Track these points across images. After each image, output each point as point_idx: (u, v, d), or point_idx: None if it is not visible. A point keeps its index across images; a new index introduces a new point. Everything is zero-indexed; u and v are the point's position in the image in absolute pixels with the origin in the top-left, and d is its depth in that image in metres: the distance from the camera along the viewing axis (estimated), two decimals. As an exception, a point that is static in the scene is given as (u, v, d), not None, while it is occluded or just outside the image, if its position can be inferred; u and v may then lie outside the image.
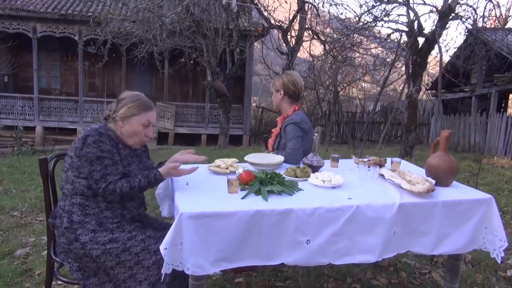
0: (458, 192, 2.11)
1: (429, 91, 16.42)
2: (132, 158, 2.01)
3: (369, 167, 2.25)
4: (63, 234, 1.87)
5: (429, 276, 2.79)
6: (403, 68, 11.47)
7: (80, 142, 1.85)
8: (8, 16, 13.16)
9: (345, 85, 14.88)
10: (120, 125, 1.97)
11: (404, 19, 7.88)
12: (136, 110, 1.96)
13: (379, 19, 7.79)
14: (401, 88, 12.46)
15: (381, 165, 2.44)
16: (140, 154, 2.11)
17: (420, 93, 9.65)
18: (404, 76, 10.49)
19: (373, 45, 11.81)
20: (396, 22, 7.80)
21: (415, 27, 7.52)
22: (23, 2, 13.49)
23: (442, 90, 8.93)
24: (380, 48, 12.28)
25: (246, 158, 2.45)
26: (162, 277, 1.71)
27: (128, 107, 1.95)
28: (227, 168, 2.31)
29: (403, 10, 7.92)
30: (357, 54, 12.58)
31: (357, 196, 1.93)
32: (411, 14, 7.57)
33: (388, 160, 2.60)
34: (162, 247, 1.63)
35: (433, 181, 2.08)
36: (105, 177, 1.83)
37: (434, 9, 7.61)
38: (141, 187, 1.90)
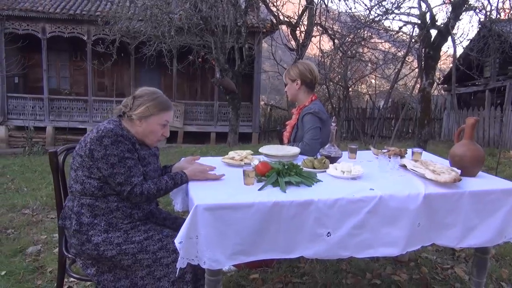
0: (486, 182, 2.02)
1: (440, 86, 16.18)
2: (149, 158, 1.93)
3: (389, 157, 2.16)
4: (74, 235, 1.81)
5: (452, 271, 2.69)
6: (415, 63, 11.30)
7: (95, 144, 1.75)
8: (17, 17, 13.25)
9: (354, 81, 14.70)
10: (137, 124, 1.87)
11: (415, 11, 7.73)
12: (155, 110, 1.87)
13: (390, 11, 7.64)
14: (412, 83, 12.28)
15: (401, 155, 2.35)
16: (153, 154, 2.02)
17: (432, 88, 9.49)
18: (416, 71, 10.33)
19: (383, 40, 11.63)
20: (408, 14, 7.65)
21: (428, 19, 7.37)
22: (32, 3, 13.57)
23: (455, 85, 8.73)
24: (390, 43, 12.12)
25: (260, 150, 2.37)
26: (177, 272, 1.64)
27: (146, 106, 1.85)
28: (241, 160, 2.23)
29: (414, 2, 7.76)
30: (367, 49, 12.42)
31: (379, 187, 1.85)
32: (423, 6, 7.41)
33: (409, 150, 2.50)
34: (177, 241, 1.57)
35: (459, 171, 1.98)
36: (130, 180, 1.76)
37: (447, 0, 7.44)
38: (167, 189, 1.86)
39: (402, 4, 7.60)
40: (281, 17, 11.19)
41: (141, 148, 1.89)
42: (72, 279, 2.39)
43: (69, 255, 1.93)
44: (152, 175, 1.90)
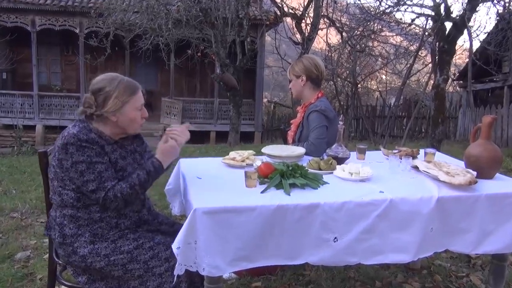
0: (503, 184, 2.02)
1: (455, 82, 16.13)
2: (126, 159, 1.84)
3: (400, 158, 2.17)
4: (59, 246, 1.81)
5: (467, 279, 2.69)
6: (428, 58, 11.29)
7: (62, 152, 1.69)
8: (5, 9, 13.31)
9: (363, 77, 14.70)
10: (112, 119, 1.77)
11: (429, 2, 7.73)
12: (125, 97, 1.77)
13: (402, 2, 7.64)
14: (425, 79, 12.27)
15: (413, 156, 2.35)
16: (134, 151, 1.93)
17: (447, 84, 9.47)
18: (429, 66, 10.32)
19: (394, 33, 11.63)
20: (421, 5, 7.65)
21: (442, 10, 7.36)
22: (21, -6, 13.63)
23: (471, 81, 8.70)
24: (402, 37, 12.12)
25: (263, 150, 2.38)
26: (175, 279, 1.65)
27: (115, 97, 1.75)
28: (243, 161, 2.24)
29: (428, -8, 7.74)
30: (377, 43, 12.42)
31: (389, 189, 1.86)
32: (437, -3, 7.41)
33: (421, 151, 2.50)
34: (174, 246, 1.58)
35: (475, 173, 1.98)
36: (103, 185, 1.69)
37: (463, -9, 7.44)
38: (141, 182, 1.74)
39: (414, -6, 7.59)
40: (286, 9, 11.20)
41: (112, 150, 1.80)
42: (63, 286, 2.40)
43: (60, 262, 1.94)
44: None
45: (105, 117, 1.77)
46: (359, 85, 13.98)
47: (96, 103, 1.76)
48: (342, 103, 14.21)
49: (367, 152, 2.51)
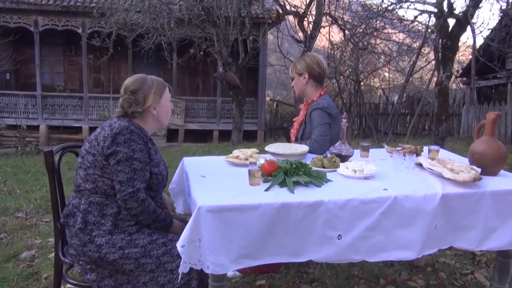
0: (508, 181, 2.02)
1: (459, 79, 16.07)
2: (157, 154, 2.00)
3: (404, 155, 2.17)
4: (76, 235, 1.83)
5: (472, 276, 2.68)
6: (431, 55, 11.25)
7: (108, 141, 1.80)
8: (8, 9, 13.35)
9: (366, 75, 14.66)
10: (153, 113, 1.97)
11: (432, -1, 7.69)
12: (160, 91, 2.00)
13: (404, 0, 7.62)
14: (428, 76, 12.22)
15: (417, 153, 2.35)
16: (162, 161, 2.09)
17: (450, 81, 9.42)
18: (432, 63, 10.28)
19: (397, 30, 11.58)
20: (424, 2, 7.62)
21: (445, 7, 7.34)
22: (24, -6, 13.67)
23: (475, 77, 8.64)
24: (405, 34, 12.05)
25: (267, 148, 2.39)
26: (179, 277, 1.66)
27: (153, 92, 1.96)
28: (246, 159, 2.25)
29: (431, -11, 7.71)
30: (380, 41, 12.37)
31: (393, 186, 1.86)
32: (440, -7, 7.37)
33: (425, 148, 2.50)
34: (179, 244, 1.59)
35: (479, 170, 1.98)
36: (132, 182, 1.78)
37: (466, -13, 7.40)
38: (157, 217, 1.86)
39: (417, -9, 7.56)
40: (288, 7, 11.18)
41: (152, 144, 1.97)
42: (69, 285, 2.41)
43: (66, 260, 1.95)
44: (163, 178, 1.96)
45: (146, 113, 1.96)
46: (362, 83, 13.94)
47: (137, 101, 1.93)
48: (345, 101, 14.18)
49: (370, 150, 2.51)
